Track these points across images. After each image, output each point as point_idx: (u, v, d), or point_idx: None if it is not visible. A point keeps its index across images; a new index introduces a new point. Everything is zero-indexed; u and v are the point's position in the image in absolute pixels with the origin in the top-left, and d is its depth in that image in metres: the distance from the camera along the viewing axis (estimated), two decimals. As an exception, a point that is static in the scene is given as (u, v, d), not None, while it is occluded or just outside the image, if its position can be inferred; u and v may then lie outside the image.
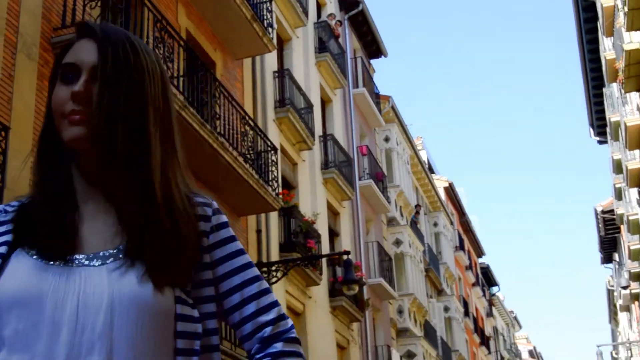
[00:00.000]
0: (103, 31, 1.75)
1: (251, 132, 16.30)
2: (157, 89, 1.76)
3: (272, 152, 17.02)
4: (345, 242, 23.47)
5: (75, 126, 1.68)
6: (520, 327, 68.09)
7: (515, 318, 65.15)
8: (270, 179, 16.58)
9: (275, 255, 18.00)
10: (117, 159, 1.68)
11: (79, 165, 1.75)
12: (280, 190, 17.63)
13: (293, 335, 1.76)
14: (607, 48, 28.02)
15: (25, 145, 10.55)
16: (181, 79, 13.78)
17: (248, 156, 15.90)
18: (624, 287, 40.57)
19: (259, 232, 17.64)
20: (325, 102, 25.46)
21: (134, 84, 1.72)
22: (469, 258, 47.41)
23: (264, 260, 17.45)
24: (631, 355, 42.39)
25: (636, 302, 38.08)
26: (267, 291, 1.77)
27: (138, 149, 1.70)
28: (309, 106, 21.81)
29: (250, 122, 16.37)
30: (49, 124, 1.75)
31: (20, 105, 10.65)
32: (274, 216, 18.27)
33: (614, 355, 55.18)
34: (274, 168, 16.94)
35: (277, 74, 20.22)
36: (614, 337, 58.33)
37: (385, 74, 62.60)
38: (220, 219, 1.79)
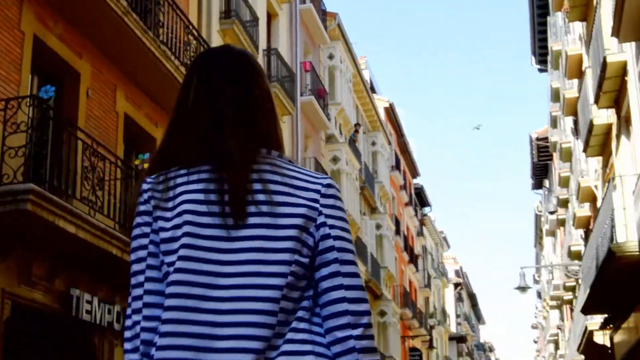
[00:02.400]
0: (235, 51, 2.37)
1: (194, 41, 16.11)
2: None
3: (215, 63, 16.79)
4: (283, 157, 23.43)
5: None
6: (448, 247, 69.52)
7: (444, 238, 66.45)
8: (211, 90, 16.40)
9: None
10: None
11: None
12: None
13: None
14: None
15: None
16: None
17: (190, 66, 15.68)
18: (552, 213, 41.51)
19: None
20: (271, 16, 25.24)
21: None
22: (404, 178, 47.95)
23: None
24: (552, 278, 43.61)
25: (561, 228, 39.01)
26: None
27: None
28: (255, 19, 21.62)
29: (194, 31, 16.19)
30: None
31: None
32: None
33: (536, 278, 56.75)
34: (216, 79, 16.74)
35: (223, -16, 19.87)
36: (537, 260, 59.90)
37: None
38: None
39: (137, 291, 2.13)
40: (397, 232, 42.49)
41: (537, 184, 49.45)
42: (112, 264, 12.24)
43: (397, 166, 45.33)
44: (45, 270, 11.59)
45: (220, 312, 2.01)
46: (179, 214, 2.09)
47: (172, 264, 2.06)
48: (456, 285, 69.98)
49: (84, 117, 13.10)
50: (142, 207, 2.19)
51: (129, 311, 2.16)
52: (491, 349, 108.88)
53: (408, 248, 46.60)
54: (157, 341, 2.02)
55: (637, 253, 14.38)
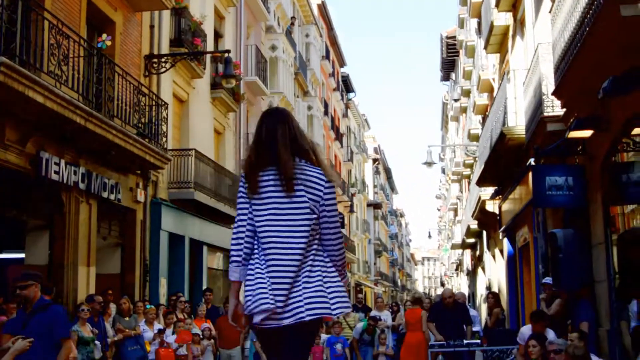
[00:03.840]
0: (280, 109, 4.38)
1: None
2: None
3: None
4: (228, 44, 23.07)
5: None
6: (369, 127, 69.84)
7: (365, 120, 66.68)
8: (164, -20, 15.94)
9: (165, 49, 17.65)
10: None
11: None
12: (174, -8, 17.04)
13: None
14: None
15: None
16: None
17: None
18: (456, 100, 41.98)
19: (152, 27, 17.18)
20: None
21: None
22: (333, 67, 47.67)
23: (155, 52, 17.10)
24: (455, 156, 44.45)
25: (464, 114, 39.47)
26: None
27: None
28: None
29: None
30: None
31: None
32: (166, 14, 17.75)
33: (441, 156, 57.71)
34: (168, -29, 16.25)
35: None
36: (443, 141, 60.72)
37: None
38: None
39: (240, 233, 4.11)
40: (326, 113, 42.50)
41: (445, 77, 49.64)
42: (77, 131, 12.11)
43: (327, 56, 44.98)
44: (17, 135, 11.39)
45: (286, 236, 4.02)
46: (266, 193, 4.04)
47: (260, 220, 4.04)
48: (374, 160, 70.66)
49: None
50: (242, 190, 4.10)
51: (234, 242, 4.14)
52: (402, 215, 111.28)
53: (334, 127, 46.73)
54: (262, 244, 4.05)
55: (523, 135, 14.67)
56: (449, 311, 12.98)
